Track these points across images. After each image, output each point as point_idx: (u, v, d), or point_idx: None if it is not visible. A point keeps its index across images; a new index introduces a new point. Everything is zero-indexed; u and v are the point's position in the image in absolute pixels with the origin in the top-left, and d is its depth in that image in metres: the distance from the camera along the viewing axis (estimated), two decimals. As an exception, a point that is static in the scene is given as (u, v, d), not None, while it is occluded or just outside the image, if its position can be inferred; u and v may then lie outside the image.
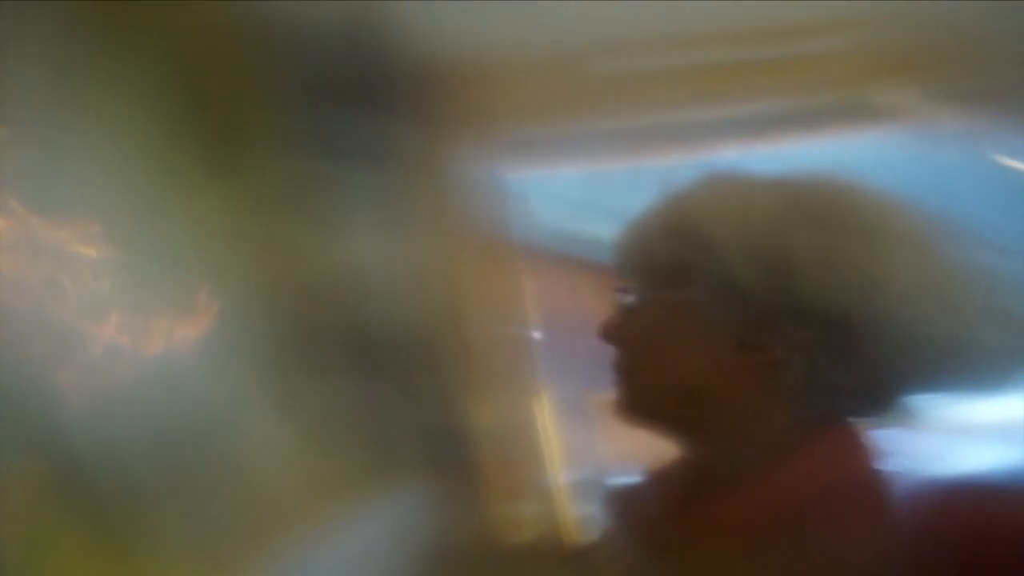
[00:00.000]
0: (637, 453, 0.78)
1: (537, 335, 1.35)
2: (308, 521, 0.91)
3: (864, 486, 0.63)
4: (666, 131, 1.33)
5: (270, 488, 0.90)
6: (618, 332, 0.73)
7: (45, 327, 0.76)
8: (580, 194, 1.54)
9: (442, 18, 1.19)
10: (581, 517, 1.24)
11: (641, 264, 0.72)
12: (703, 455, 0.71)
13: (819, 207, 0.66)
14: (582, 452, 1.34)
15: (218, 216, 0.93)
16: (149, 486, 0.80)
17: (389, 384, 1.14)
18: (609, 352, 0.73)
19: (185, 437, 0.83)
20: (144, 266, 0.85)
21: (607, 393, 0.73)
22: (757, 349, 0.65)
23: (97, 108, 0.83)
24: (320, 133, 1.09)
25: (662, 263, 0.69)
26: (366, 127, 1.14)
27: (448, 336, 1.26)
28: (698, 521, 0.69)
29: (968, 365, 0.65)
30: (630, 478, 0.82)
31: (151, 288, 0.84)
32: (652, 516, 0.74)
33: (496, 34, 1.25)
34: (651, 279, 0.71)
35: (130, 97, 0.85)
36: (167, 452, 0.82)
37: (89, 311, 0.80)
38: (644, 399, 0.71)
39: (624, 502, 0.80)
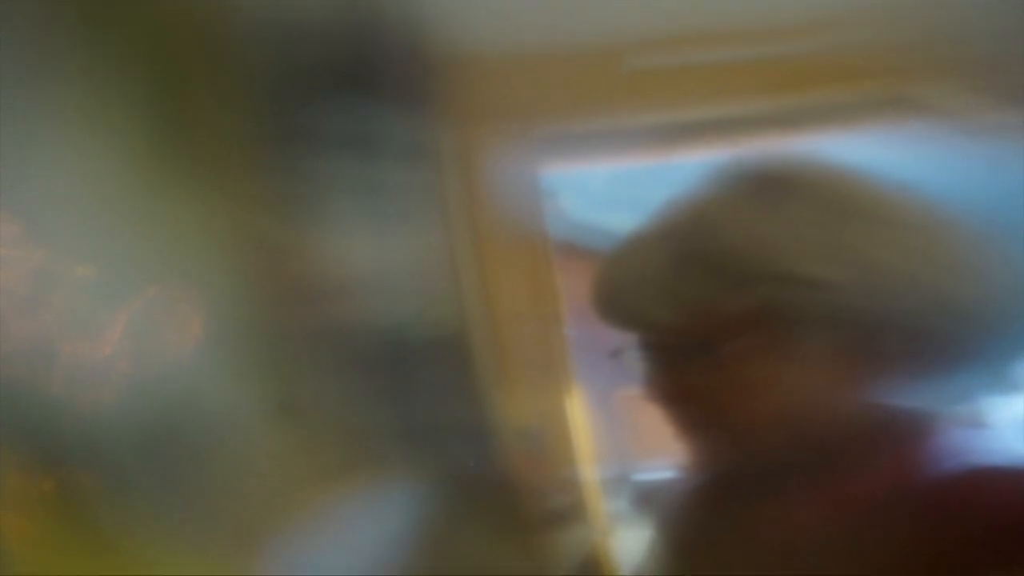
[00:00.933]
0: (669, 450, 0.77)
1: (568, 331, 1.35)
2: (314, 515, 0.91)
3: (940, 483, 0.59)
4: (699, 126, 1.32)
5: (273, 484, 0.90)
6: (684, 392, 0.65)
7: (37, 339, 0.76)
8: (612, 190, 1.54)
9: (473, 13, 1.19)
10: (611, 514, 1.24)
11: (683, 318, 0.63)
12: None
13: (819, 194, 0.61)
14: (613, 448, 1.34)
15: (218, 217, 0.92)
16: (145, 485, 0.81)
17: (420, 380, 1.15)
18: (669, 412, 0.67)
19: (178, 440, 0.83)
20: (133, 272, 0.84)
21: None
22: (869, 356, 0.60)
23: (76, 109, 0.81)
24: (341, 130, 1.09)
25: (716, 312, 0.61)
26: (391, 122, 1.15)
27: (479, 332, 1.26)
28: (758, 523, 0.65)
29: None
30: (662, 475, 0.82)
31: (142, 295, 0.84)
32: (701, 519, 0.72)
33: (527, 30, 1.25)
34: (695, 330, 0.63)
35: (112, 97, 0.84)
36: (160, 453, 0.82)
37: (80, 320, 0.79)
38: (746, 450, 0.64)
39: (667, 504, 0.77)
